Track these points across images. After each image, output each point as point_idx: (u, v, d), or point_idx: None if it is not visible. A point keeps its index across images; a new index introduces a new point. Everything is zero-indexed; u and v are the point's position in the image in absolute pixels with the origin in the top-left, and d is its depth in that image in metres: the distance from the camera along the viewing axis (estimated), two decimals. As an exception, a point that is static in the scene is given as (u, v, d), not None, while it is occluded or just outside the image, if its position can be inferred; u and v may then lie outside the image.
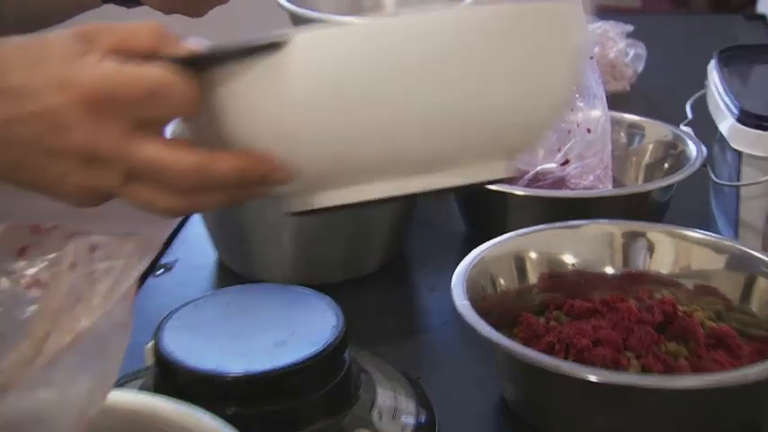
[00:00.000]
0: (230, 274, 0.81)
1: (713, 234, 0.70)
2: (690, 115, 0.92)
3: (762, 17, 1.35)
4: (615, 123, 0.88)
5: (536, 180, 0.82)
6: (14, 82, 0.41)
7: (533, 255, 0.68)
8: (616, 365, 0.59)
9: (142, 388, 0.58)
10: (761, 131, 0.74)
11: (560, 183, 0.82)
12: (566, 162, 0.82)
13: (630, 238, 0.69)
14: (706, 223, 0.84)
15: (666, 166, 0.86)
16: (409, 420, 0.59)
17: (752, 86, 0.87)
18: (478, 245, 0.68)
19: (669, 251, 0.68)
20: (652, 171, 0.88)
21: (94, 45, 0.42)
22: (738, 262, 0.65)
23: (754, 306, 0.64)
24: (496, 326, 0.59)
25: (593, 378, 0.54)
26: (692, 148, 0.83)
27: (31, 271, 0.45)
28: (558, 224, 0.70)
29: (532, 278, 0.68)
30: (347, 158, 0.43)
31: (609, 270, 0.69)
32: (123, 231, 0.47)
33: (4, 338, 0.43)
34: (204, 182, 0.42)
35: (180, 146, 0.42)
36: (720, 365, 0.59)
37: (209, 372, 0.55)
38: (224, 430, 0.49)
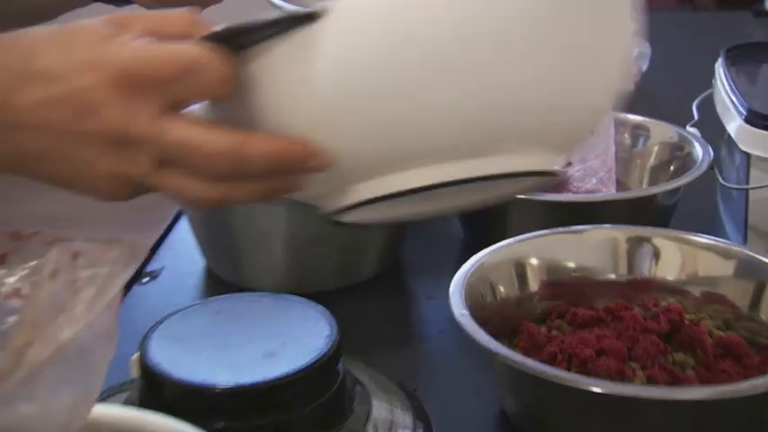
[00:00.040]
0: (219, 282, 0.80)
1: (721, 239, 0.69)
2: (696, 116, 0.92)
3: (768, 13, 1.35)
4: (619, 124, 0.87)
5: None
6: (44, 65, 0.40)
7: (534, 261, 0.68)
8: (621, 376, 0.58)
9: (127, 401, 0.57)
10: (770, 133, 0.73)
11: (562, 186, 0.81)
12: (567, 164, 0.81)
13: (635, 243, 0.69)
14: (713, 228, 0.83)
15: (672, 168, 0.86)
16: (406, 434, 0.58)
17: (760, 86, 0.86)
18: (477, 251, 0.67)
19: (675, 257, 0.68)
20: (657, 174, 0.87)
21: (126, 30, 0.41)
22: (747, 268, 0.65)
23: (764, 314, 0.63)
24: (496, 335, 0.58)
25: (596, 390, 0.53)
26: (699, 150, 0.83)
27: (11, 280, 0.44)
28: (559, 229, 0.69)
29: (533, 285, 0.67)
30: (390, 141, 0.40)
31: (613, 277, 0.68)
32: (107, 238, 0.46)
33: (-21, 351, 0.42)
34: (238, 166, 0.41)
35: (214, 127, 0.41)
36: (729, 376, 0.59)
37: (196, 384, 0.54)
38: (212, 446, 0.47)
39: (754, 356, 0.60)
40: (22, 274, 0.44)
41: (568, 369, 0.59)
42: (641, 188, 0.87)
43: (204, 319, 0.60)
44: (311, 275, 0.77)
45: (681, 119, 0.90)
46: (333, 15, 0.39)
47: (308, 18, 0.39)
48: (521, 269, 0.67)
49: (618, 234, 0.69)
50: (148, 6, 0.70)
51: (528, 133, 0.41)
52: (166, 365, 0.55)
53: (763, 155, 0.74)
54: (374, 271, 0.80)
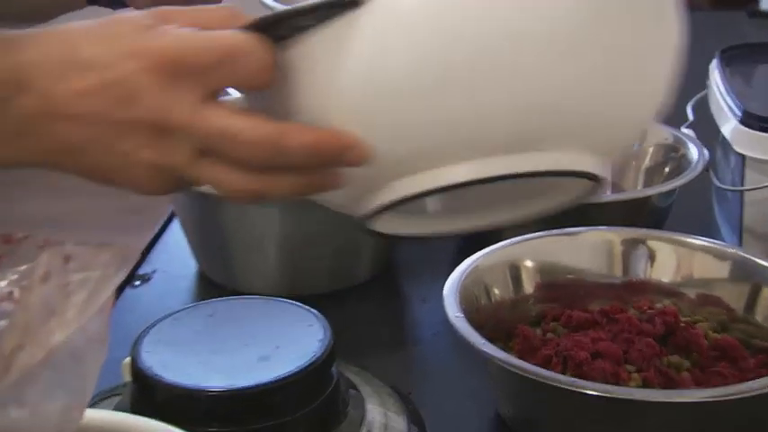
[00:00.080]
0: (212, 286, 0.79)
1: (716, 241, 0.69)
2: (691, 117, 0.92)
3: (766, 14, 1.34)
4: (613, 126, 0.87)
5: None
6: (85, 55, 0.40)
7: (529, 263, 0.67)
8: (616, 379, 0.58)
9: (119, 406, 0.57)
10: (765, 134, 0.74)
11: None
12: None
13: (630, 245, 0.68)
14: (708, 230, 0.83)
15: (667, 170, 0.86)
16: (401, 438, 0.58)
17: (755, 87, 0.86)
18: (472, 253, 0.66)
19: (670, 259, 0.68)
20: (652, 175, 0.87)
21: (167, 21, 0.41)
22: (742, 270, 0.65)
23: (759, 316, 0.63)
24: (491, 338, 0.58)
25: (592, 392, 0.53)
26: (694, 152, 0.83)
27: (2, 284, 0.44)
28: (554, 231, 0.69)
29: (528, 288, 0.67)
30: (428, 136, 0.39)
31: (608, 279, 0.68)
32: (99, 241, 0.45)
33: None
34: (277, 155, 0.40)
35: (254, 116, 0.41)
36: (724, 378, 0.58)
37: (189, 388, 0.54)
38: (205, 451, 0.47)
39: (749, 358, 0.60)
40: (13, 277, 0.43)
41: (564, 372, 0.58)
42: (636, 190, 0.87)
43: (197, 323, 0.60)
44: (305, 278, 0.76)
45: (676, 120, 0.90)
46: (374, 5, 0.38)
47: (349, 5, 0.38)
48: (515, 271, 0.67)
49: (613, 236, 0.69)
50: (143, 8, 0.70)
51: (568, 133, 0.40)
52: (158, 369, 0.55)
53: (758, 156, 0.74)
54: (368, 274, 0.80)
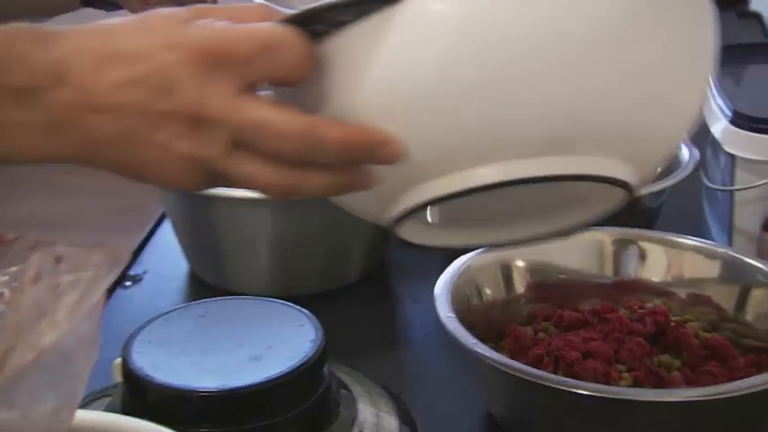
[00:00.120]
0: (203, 286, 0.79)
1: (706, 241, 0.69)
2: (681, 117, 0.91)
3: (756, 15, 1.34)
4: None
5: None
6: (123, 47, 0.40)
7: (520, 263, 0.67)
8: (607, 378, 0.58)
9: (110, 407, 0.57)
10: (755, 134, 0.74)
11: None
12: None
13: (621, 245, 0.68)
14: (699, 229, 0.83)
15: (657, 170, 0.85)
16: (392, 438, 0.57)
17: (746, 87, 0.86)
18: (463, 253, 0.66)
19: (661, 259, 0.68)
20: (642, 176, 0.87)
21: (203, 17, 0.41)
22: (733, 270, 0.65)
23: (749, 316, 0.63)
24: (482, 338, 0.58)
25: (583, 392, 0.53)
26: (684, 152, 0.83)
27: None
28: (545, 231, 0.69)
29: (520, 288, 0.67)
30: (460, 135, 0.39)
31: (599, 279, 0.68)
32: (90, 242, 0.45)
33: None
34: (311, 149, 0.40)
35: (288, 108, 0.41)
36: (714, 378, 0.58)
37: (180, 389, 0.53)
38: (196, 451, 0.47)
39: (739, 358, 0.60)
40: (4, 279, 0.43)
41: (555, 372, 0.58)
42: (626, 190, 0.87)
43: (188, 324, 0.60)
44: (296, 279, 0.76)
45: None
46: (411, 2, 0.38)
47: (387, 1, 0.38)
48: (507, 271, 0.67)
49: (604, 236, 0.69)
50: (138, 11, 0.70)
51: (600, 138, 0.40)
52: (149, 370, 0.54)
53: (747, 156, 0.74)
54: (360, 274, 0.79)
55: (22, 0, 0.73)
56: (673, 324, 0.63)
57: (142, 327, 0.58)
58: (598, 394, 0.53)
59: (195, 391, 0.53)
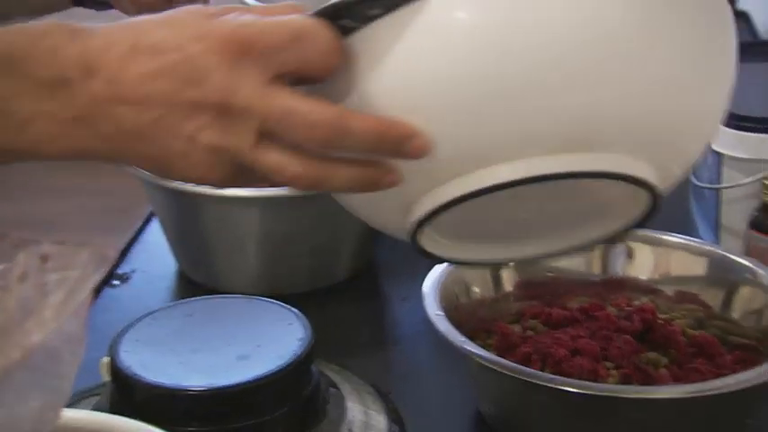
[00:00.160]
0: (191, 285, 0.79)
1: (693, 239, 0.69)
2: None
3: (743, 14, 1.35)
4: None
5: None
6: (152, 40, 0.40)
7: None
8: (595, 376, 0.58)
9: (97, 406, 0.56)
10: (742, 132, 0.74)
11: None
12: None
13: (608, 243, 0.68)
14: (686, 228, 0.83)
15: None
16: (381, 436, 0.57)
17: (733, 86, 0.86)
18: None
19: (648, 257, 0.68)
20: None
21: (233, 13, 0.41)
22: (719, 268, 0.65)
23: (736, 313, 0.63)
24: (471, 336, 0.58)
25: (570, 389, 0.53)
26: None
27: None
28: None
29: (508, 286, 0.67)
30: (490, 132, 0.39)
31: (587, 277, 0.68)
32: (77, 241, 0.45)
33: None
34: (339, 139, 0.40)
35: (316, 99, 0.41)
36: (701, 374, 0.58)
37: (168, 387, 0.53)
38: (184, 450, 0.46)
39: (726, 355, 0.60)
40: (-9, 278, 0.43)
41: (543, 369, 0.58)
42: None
43: (176, 322, 0.59)
44: (285, 277, 0.76)
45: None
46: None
47: None
48: (495, 269, 0.66)
49: (591, 234, 0.69)
50: (128, 11, 0.70)
51: (625, 138, 0.40)
52: (137, 369, 0.54)
53: (735, 154, 0.74)
54: (348, 273, 0.79)
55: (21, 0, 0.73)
56: (660, 322, 0.63)
57: (130, 325, 0.58)
58: (586, 391, 0.53)
59: (183, 390, 0.53)
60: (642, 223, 0.45)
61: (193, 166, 0.41)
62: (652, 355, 0.60)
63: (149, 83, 0.40)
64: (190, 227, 0.77)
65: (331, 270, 0.78)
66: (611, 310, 0.64)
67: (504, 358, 0.57)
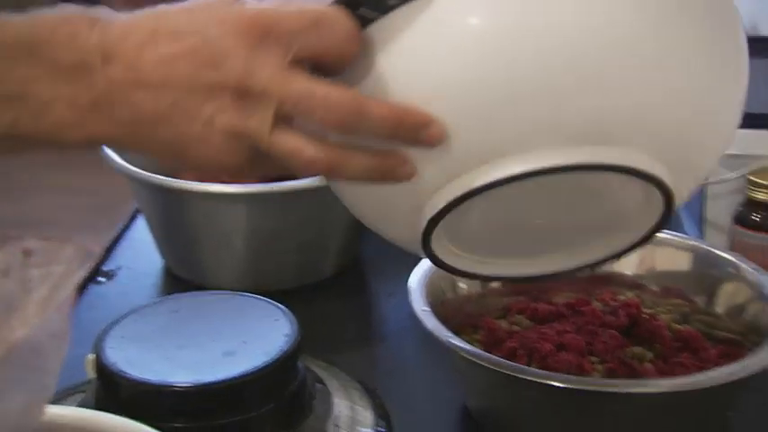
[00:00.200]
0: (177, 282, 0.79)
1: (678, 234, 0.69)
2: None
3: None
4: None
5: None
6: (171, 25, 0.41)
7: (495, 257, 0.67)
8: (580, 371, 0.58)
9: (83, 403, 0.56)
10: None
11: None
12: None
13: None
14: (671, 223, 0.83)
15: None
16: (366, 431, 0.57)
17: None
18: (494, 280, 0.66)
19: (633, 252, 0.67)
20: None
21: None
22: (704, 262, 0.65)
23: (720, 308, 0.64)
24: (457, 331, 0.58)
25: (556, 383, 0.53)
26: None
27: None
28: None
29: (494, 282, 0.67)
30: (504, 123, 0.40)
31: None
32: (60, 237, 0.44)
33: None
34: (357, 121, 0.40)
35: (334, 83, 0.41)
36: (686, 369, 0.58)
37: (154, 384, 0.53)
38: (170, 446, 0.46)
39: (710, 349, 0.60)
40: (-27, 273, 0.43)
41: (529, 364, 0.58)
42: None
43: (162, 318, 0.59)
44: (271, 274, 0.76)
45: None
46: None
47: None
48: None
49: (577, 230, 0.69)
50: (118, 8, 0.69)
51: (642, 135, 0.40)
52: (123, 365, 0.54)
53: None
54: (335, 269, 0.79)
55: None
56: (645, 316, 0.63)
57: (115, 322, 0.58)
58: (571, 386, 0.53)
59: (169, 386, 0.53)
60: (652, 236, 0.46)
61: (210, 150, 0.41)
62: (637, 349, 0.60)
63: (168, 67, 0.40)
64: (176, 223, 0.76)
65: (317, 266, 0.78)
66: (597, 305, 0.65)
67: (491, 353, 0.57)
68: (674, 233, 0.69)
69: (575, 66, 0.39)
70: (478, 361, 0.55)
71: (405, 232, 0.45)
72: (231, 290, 0.66)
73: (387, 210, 0.45)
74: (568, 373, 0.56)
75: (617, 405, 0.54)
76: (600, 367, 0.59)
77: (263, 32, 0.40)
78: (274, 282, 0.75)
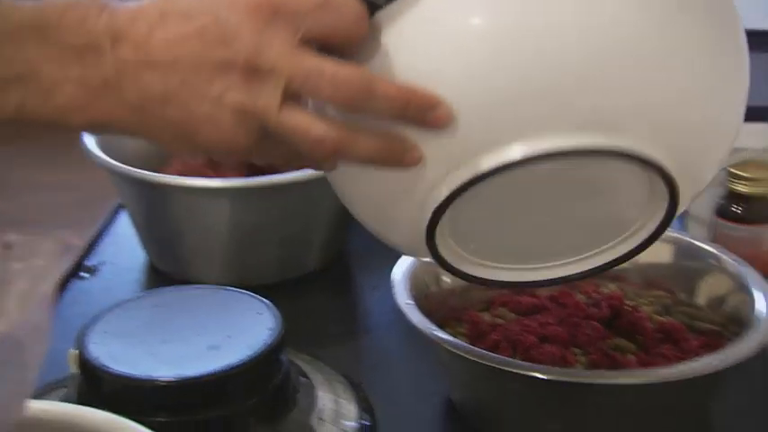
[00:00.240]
0: (161, 277, 0.79)
1: (660, 226, 0.69)
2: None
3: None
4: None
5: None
6: (184, 6, 0.41)
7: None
8: (563, 362, 0.58)
9: (65, 398, 0.56)
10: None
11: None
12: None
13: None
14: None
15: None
16: (351, 424, 0.58)
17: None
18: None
19: (616, 245, 0.68)
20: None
21: None
22: (686, 254, 0.65)
23: (702, 299, 0.64)
24: (441, 325, 0.58)
25: (539, 375, 0.53)
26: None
27: None
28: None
29: (478, 275, 0.67)
30: (510, 108, 0.40)
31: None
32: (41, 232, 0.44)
33: None
34: (364, 100, 0.41)
35: (344, 62, 0.41)
36: (668, 360, 0.59)
37: (137, 378, 0.53)
38: (154, 440, 0.46)
39: (692, 341, 0.61)
40: (-49, 266, 0.42)
41: (512, 356, 0.58)
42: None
43: (145, 313, 0.59)
44: (255, 268, 0.76)
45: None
46: None
47: None
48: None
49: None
50: None
51: (647, 122, 0.41)
52: (105, 359, 0.54)
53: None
54: (319, 263, 0.79)
55: None
56: (628, 308, 0.63)
57: (98, 317, 0.58)
58: (554, 377, 0.53)
59: (152, 381, 0.53)
60: (657, 237, 0.46)
61: (219, 130, 0.41)
62: (620, 341, 0.61)
63: (177, 47, 0.40)
64: (158, 218, 0.76)
65: (301, 260, 0.78)
66: (580, 297, 0.65)
67: (474, 346, 0.57)
68: (657, 225, 0.69)
69: (582, 52, 0.39)
70: (462, 353, 0.55)
71: (408, 229, 0.45)
72: (215, 284, 0.66)
73: (390, 204, 0.45)
74: (552, 365, 0.56)
75: (600, 396, 0.55)
76: (583, 359, 0.59)
77: (272, 12, 0.40)
78: (258, 276, 0.75)
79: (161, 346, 0.56)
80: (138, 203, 0.78)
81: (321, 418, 0.57)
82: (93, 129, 0.43)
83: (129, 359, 0.54)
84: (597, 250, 0.47)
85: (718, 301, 0.63)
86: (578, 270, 0.48)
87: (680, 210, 0.45)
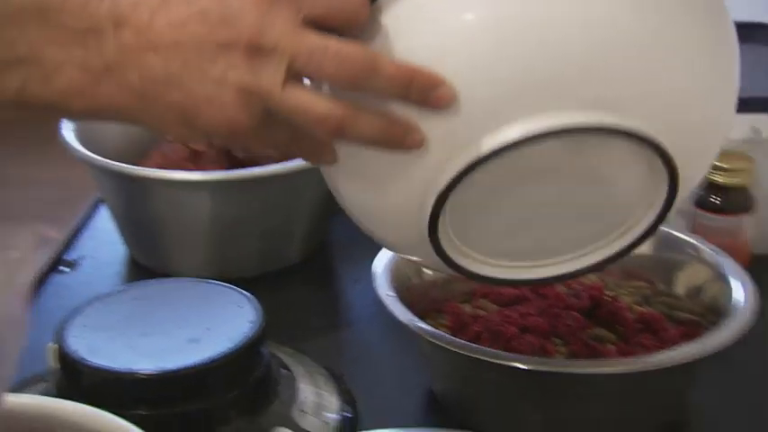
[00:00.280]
0: (141, 270, 0.78)
1: (639, 217, 0.69)
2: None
3: None
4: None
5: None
6: None
7: (459, 242, 0.67)
8: (544, 352, 0.58)
9: (45, 392, 0.55)
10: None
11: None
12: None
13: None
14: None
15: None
16: (332, 416, 0.58)
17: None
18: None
19: (596, 235, 0.68)
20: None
21: None
22: (665, 245, 0.66)
23: (681, 289, 0.64)
24: (423, 316, 0.58)
25: (519, 365, 0.53)
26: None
27: None
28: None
29: (459, 266, 0.67)
30: (513, 88, 0.40)
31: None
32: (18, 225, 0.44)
33: None
34: (367, 78, 0.41)
35: (347, 40, 0.41)
36: (647, 349, 0.59)
37: (116, 371, 0.53)
38: (133, 433, 0.46)
39: (671, 330, 0.61)
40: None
41: (493, 347, 0.59)
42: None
43: (125, 306, 0.59)
44: (236, 261, 0.75)
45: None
46: None
47: None
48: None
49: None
50: None
51: (647, 102, 0.41)
52: (85, 353, 0.54)
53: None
54: (300, 255, 0.79)
55: None
56: (607, 299, 0.63)
57: (77, 310, 0.58)
58: (534, 367, 0.54)
59: (132, 374, 0.53)
60: (658, 226, 0.47)
61: (222, 110, 0.41)
62: (600, 331, 0.61)
63: (179, 29, 0.40)
64: (138, 211, 0.76)
65: (282, 253, 0.78)
66: (560, 288, 0.65)
67: (456, 338, 0.57)
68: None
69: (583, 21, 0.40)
70: (443, 345, 0.55)
71: (407, 224, 0.45)
72: (195, 277, 0.66)
73: (390, 195, 0.45)
74: (532, 356, 0.57)
75: (580, 386, 0.55)
76: (563, 349, 0.59)
77: None
78: (239, 269, 0.74)
79: (141, 340, 0.55)
80: (117, 197, 0.78)
81: (303, 411, 0.57)
82: (94, 114, 0.42)
83: (108, 352, 0.54)
84: (596, 245, 0.47)
85: (696, 291, 0.63)
86: (577, 268, 0.48)
87: (678, 200, 0.45)
